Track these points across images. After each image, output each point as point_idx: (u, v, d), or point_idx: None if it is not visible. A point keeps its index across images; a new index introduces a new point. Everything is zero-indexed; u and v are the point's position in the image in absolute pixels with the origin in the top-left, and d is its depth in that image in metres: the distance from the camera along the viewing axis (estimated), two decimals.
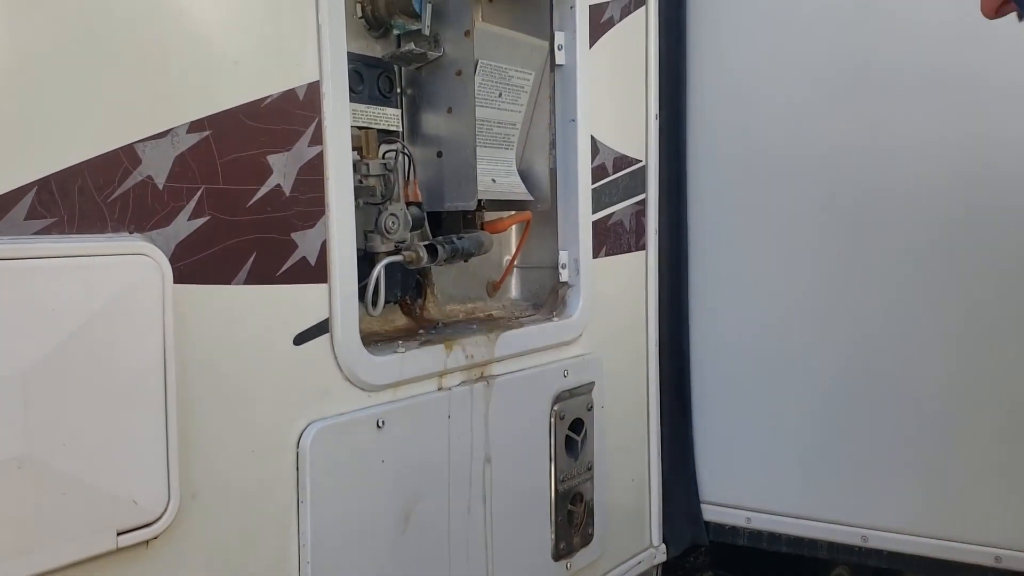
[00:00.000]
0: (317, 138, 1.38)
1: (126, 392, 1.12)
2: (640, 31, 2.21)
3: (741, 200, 2.28)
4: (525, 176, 1.95)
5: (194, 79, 1.23)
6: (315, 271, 1.39)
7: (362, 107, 1.62)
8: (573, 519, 1.96)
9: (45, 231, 1.07)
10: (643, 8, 2.21)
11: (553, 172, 1.99)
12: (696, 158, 2.33)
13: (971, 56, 1.98)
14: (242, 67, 1.29)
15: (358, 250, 1.51)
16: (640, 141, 2.24)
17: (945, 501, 2.07)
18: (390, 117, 1.68)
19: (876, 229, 2.11)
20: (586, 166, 2.02)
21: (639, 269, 2.26)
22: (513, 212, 1.96)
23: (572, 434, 1.95)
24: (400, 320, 1.80)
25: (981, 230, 2.00)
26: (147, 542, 1.16)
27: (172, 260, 1.18)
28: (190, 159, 1.22)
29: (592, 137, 2.03)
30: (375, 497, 1.49)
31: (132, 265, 1.13)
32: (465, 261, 1.81)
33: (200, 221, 1.24)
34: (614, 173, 2.14)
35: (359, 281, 1.50)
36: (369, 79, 1.64)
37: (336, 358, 1.43)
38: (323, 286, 1.41)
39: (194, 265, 1.23)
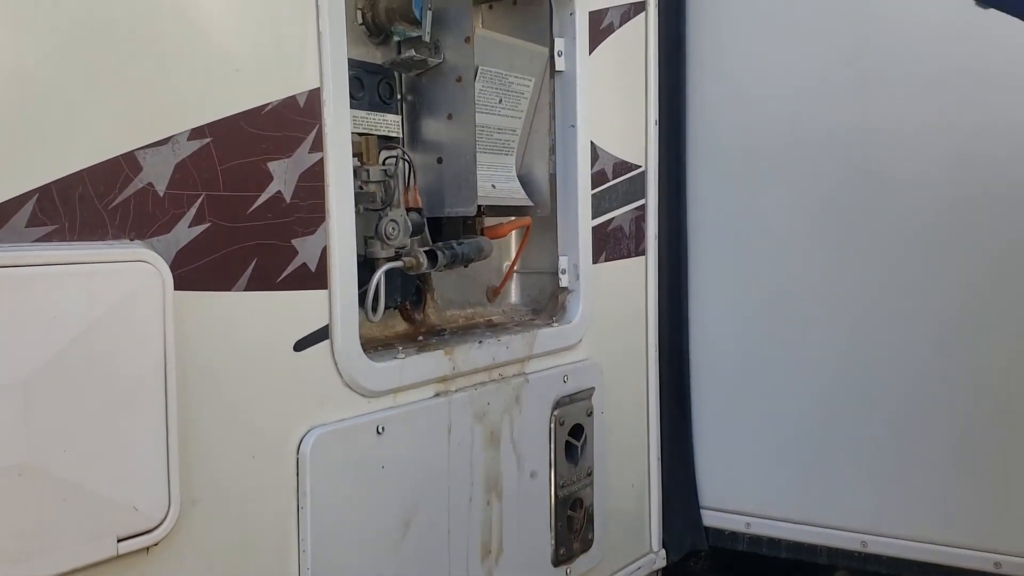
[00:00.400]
0: (318, 145, 1.39)
1: (127, 399, 1.12)
2: (640, 37, 2.21)
3: (740, 205, 2.28)
4: (525, 182, 1.96)
5: (195, 86, 1.23)
6: (315, 277, 1.39)
7: (362, 113, 1.63)
8: (573, 525, 1.95)
9: (46, 238, 1.08)
10: (643, 14, 2.21)
11: (553, 178, 2.00)
12: (695, 163, 2.33)
13: (971, 58, 1.99)
14: (243, 74, 1.29)
15: (358, 256, 1.51)
16: (640, 147, 2.24)
17: (945, 507, 2.07)
18: (390, 123, 1.68)
19: (876, 234, 2.11)
20: (586, 172, 2.02)
21: (639, 274, 2.26)
22: (513, 217, 1.96)
23: (572, 439, 1.95)
24: (400, 326, 1.80)
25: (980, 235, 2.00)
26: (147, 548, 1.16)
27: (173, 267, 1.19)
28: (191, 166, 1.22)
29: (592, 143, 2.04)
30: (375, 503, 1.49)
31: (133, 272, 1.13)
32: (465, 267, 1.82)
33: (201, 228, 1.24)
34: (614, 178, 2.14)
35: (359, 287, 1.50)
36: (369, 85, 1.65)
37: (336, 364, 1.44)
38: (323, 292, 1.41)
39: (195, 272, 1.23)
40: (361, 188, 1.55)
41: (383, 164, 1.61)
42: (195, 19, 1.23)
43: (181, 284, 1.20)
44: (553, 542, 1.90)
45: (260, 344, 1.32)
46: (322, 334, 1.41)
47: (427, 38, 1.64)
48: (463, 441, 1.67)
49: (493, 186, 1.84)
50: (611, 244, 2.14)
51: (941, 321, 2.05)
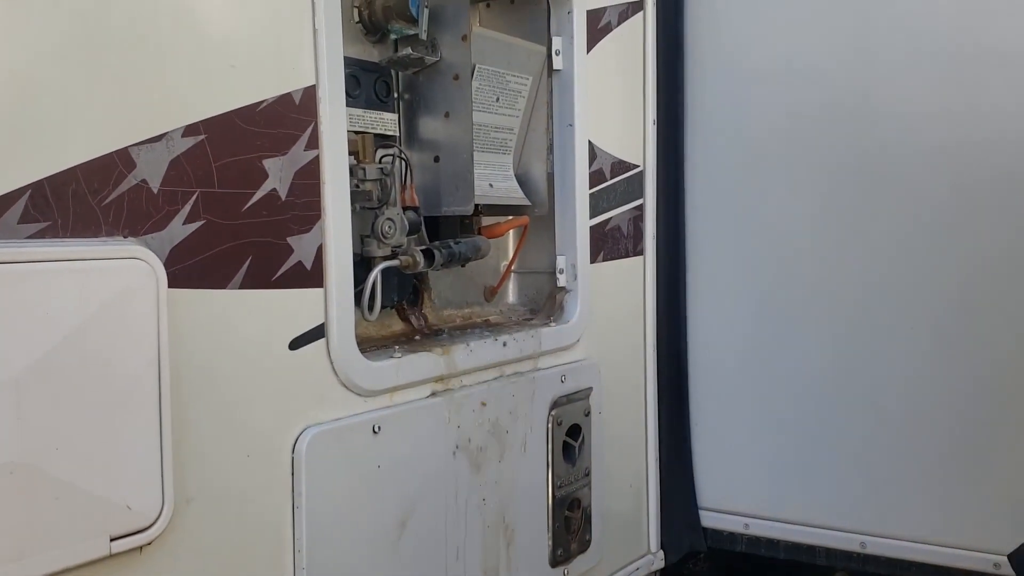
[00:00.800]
0: (313, 142, 1.38)
1: (120, 397, 1.11)
2: (638, 36, 2.21)
3: (739, 205, 2.27)
4: (522, 181, 1.95)
5: (190, 83, 1.23)
6: (311, 276, 1.38)
7: (359, 112, 1.62)
8: (571, 525, 1.95)
9: (39, 235, 1.07)
10: (640, 13, 2.21)
11: (551, 177, 1.99)
12: (694, 163, 2.32)
13: (974, 56, 1.98)
14: (238, 71, 1.28)
15: (354, 255, 1.50)
16: (638, 146, 2.23)
17: (944, 507, 2.06)
18: (387, 122, 1.67)
19: (875, 232, 2.10)
20: (584, 171, 2.01)
21: (637, 274, 2.25)
22: (510, 217, 1.95)
23: (570, 440, 1.94)
24: (397, 325, 1.80)
25: (979, 233, 2.00)
26: (141, 548, 1.15)
27: (167, 264, 1.18)
28: (185, 163, 1.22)
29: (590, 142, 2.03)
30: (371, 503, 1.48)
31: (126, 269, 1.13)
32: (462, 266, 1.81)
33: (195, 225, 1.23)
34: (612, 178, 2.14)
35: (355, 286, 1.49)
36: (366, 84, 1.64)
37: (332, 363, 1.43)
38: (319, 291, 1.40)
39: (189, 269, 1.22)
40: (357, 186, 1.55)
41: (379, 162, 1.60)
42: (190, 15, 1.22)
43: (175, 282, 1.19)
44: (551, 543, 1.90)
45: (255, 343, 1.32)
46: (318, 333, 1.40)
47: (424, 36, 1.63)
48: (460, 441, 1.66)
49: (490, 185, 1.84)
50: (609, 244, 2.14)
51: (940, 320, 2.05)
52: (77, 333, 1.06)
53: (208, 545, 1.26)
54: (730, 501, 2.32)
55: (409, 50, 1.66)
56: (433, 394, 1.63)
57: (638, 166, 2.23)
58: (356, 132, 1.59)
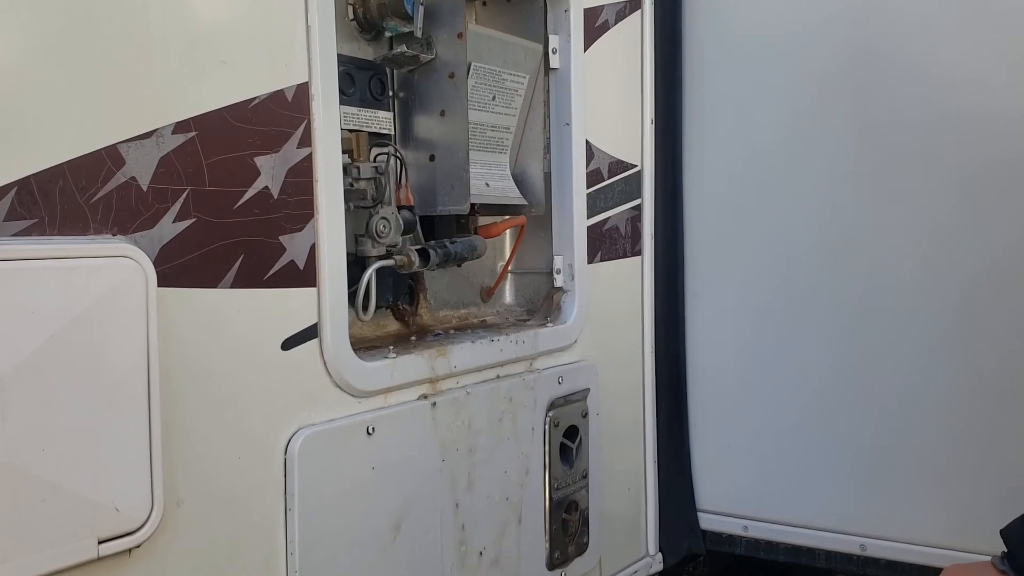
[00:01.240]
0: (306, 140, 1.36)
1: (108, 397, 1.09)
2: (635, 35, 2.19)
3: (738, 206, 2.26)
4: (519, 180, 1.94)
5: (180, 79, 1.21)
6: (304, 275, 1.37)
7: (353, 110, 1.60)
8: (568, 528, 1.93)
9: (25, 232, 1.05)
10: (638, 12, 2.19)
11: (547, 176, 1.98)
12: (692, 163, 2.31)
13: (978, 54, 1.97)
14: (230, 67, 1.27)
15: (349, 254, 1.49)
16: (636, 146, 2.22)
17: (945, 509, 2.05)
18: (382, 120, 1.65)
19: (875, 233, 2.09)
20: (581, 171, 2.00)
21: (635, 275, 2.24)
22: (507, 217, 1.94)
23: (567, 441, 1.92)
24: (392, 326, 1.78)
25: (984, 237, 1.98)
26: (130, 550, 1.14)
27: (156, 263, 1.16)
28: (175, 160, 1.20)
29: (587, 141, 2.02)
30: (365, 505, 1.46)
31: (115, 268, 1.11)
32: (458, 266, 1.80)
33: (186, 223, 1.21)
34: (609, 178, 2.12)
35: (350, 286, 1.48)
36: (360, 82, 1.62)
37: (325, 363, 1.41)
38: (312, 290, 1.38)
39: (179, 268, 1.21)
40: (351, 185, 1.53)
41: (374, 161, 1.58)
42: (180, 9, 1.21)
43: (165, 281, 1.18)
44: (548, 545, 1.88)
45: (247, 342, 1.30)
46: (311, 332, 1.39)
47: (419, 34, 1.61)
48: (455, 443, 1.64)
49: (487, 184, 1.82)
50: (606, 244, 2.12)
51: (941, 321, 2.03)
52: (64, 332, 1.05)
53: (199, 548, 1.24)
54: (729, 503, 2.31)
55: (404, 48, 1.64)
56: (428, 395, 1.61)
57: (636, 166, 2.22)
58: (350, 130, 1.57)
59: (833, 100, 2.12)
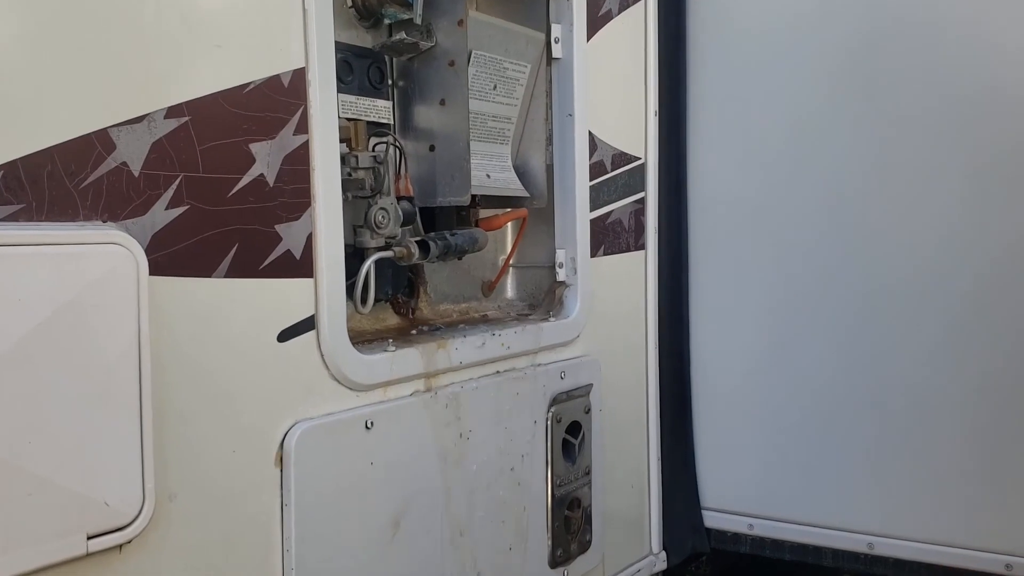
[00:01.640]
0: (303, 127, 1.33)
1: (97, 388, 1.06)
2: (639, 25, 2.16)
3: (743, 199, 2.23)
4: (521, 172, 1.91)
5: (173, 63, 1.18)
6: (300, 265, 1.34)
7: (352, 98, 1.57)
8: (570, 525, 1.90)
9: (12, 218, 1.02)
10: (642, 2, 2.16)
11: (550, 168, 1.95)
12: (697, 156, 2.28)
13: (989, 40, 1.94)
14: (224, 51, 1.24)
15: (347, 245, 1.46)
16: (639, 138, 2.19)
17: (955, 507, 2.02)
18: (381, 109, 1.62)
19: (883, 227, 2.06)
20: (584, 163, 1.97)
21: (638, 269, 2.21)
22: (509, 209, 1.91)
23: (569, 438, 1.89)
24: (392, 319, 1.75)
25: (992, 230, 1.95)
26: (120, 546, 1.11)
27: (148, 251, 1.13)
28: (168, 146, 1.17)
29: (590, 133, 1.98)
30: (363, 501, 1.43)
31: (105, 255, 1.08)
32: (459, 259, 1.77)
33: (178, 211, 1.18)
34: (613, 170, 2.09)
35: (348, 278, 1.45)
36: (359, 70, 1.59)
37: (323, 356, 1.38)
38: (309, 281, 1.35)
39: (172, 256, 1.17)
40: (349, 175, 1.50)
41: (373, 150, 1.55)
42: None
43: (157, 269, 1.15)
44: (550, 543, 1.85)
45: (242, 334, 1.27)
46: (308, 324, 1.35)
47: (419, 20, 1.58)
48: (456, 438, 1.61)
49: (488, 176, 1.79)
50: (610, 238, 2.09)
51: (950, 315, 2.00)
52: (52, 321, 1.02)
53: (192, 544, 1.21)
54: (734, 501, 2.28)
55: (403, 35, 1.61)
56: (428, 389, 1.58)
57: (640, 158, 2.18)
58: (349, 119, 1.54)
59: (841, 90, 2.09)
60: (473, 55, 1.70)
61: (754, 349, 2.23)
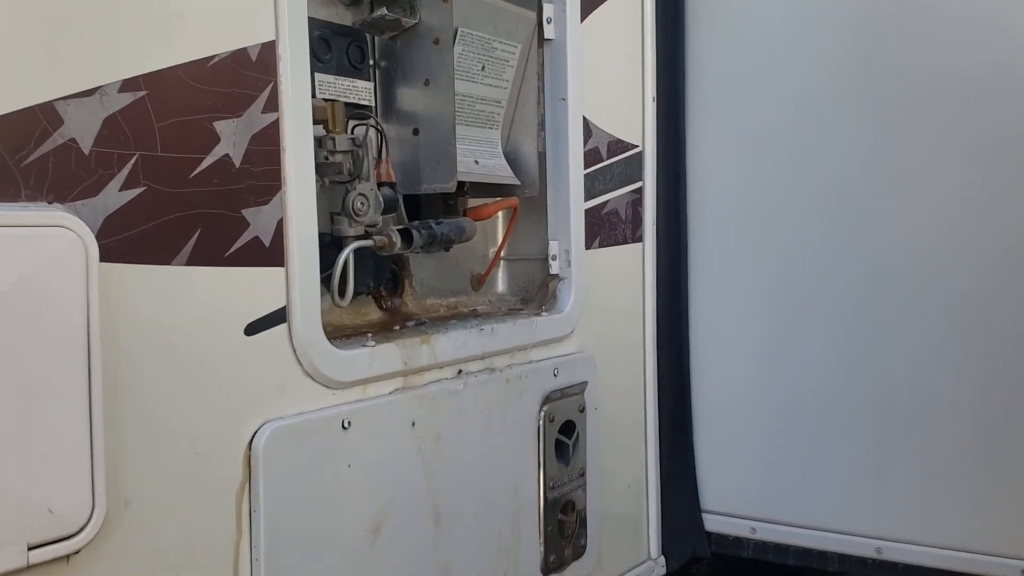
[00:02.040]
0: (272, 104, 1.24)
1: (40, 384, 0.97)
2: (636, 6, 2.08)
3: (743, 190, 2.16)
4: (512, 159, 1.82)
5: (128, 32, 1.09)
6: (270, 253, 1.25)
7: (330, 78, 1.49)
8: (564, 530, 1.82)
9: None
10: None
11: (542, 155, 1.86)
12: (696, 144, 2.21)
13: (997, 29, 1.87)
14: (185, 20, 1.15)
15: (324, 234, 1.38)
16: (636, 125, 2.11)
17: (966, 510, 1.95)
18: (361, 90, 1.54)
19: (888, 220, 1.99)
20: (578, 150, 1.88)
21: (635, 262, 2.12)
22: (499, 198, 1.82)
23: (563, 437, 1.81)
24: (375, 314, 1.66)
25: (999, 226, 1.89)
26: (67, 557, 1.02)
27: (99, 235, 1.04)
28: (122, 122, 1.08)
29: (584, 118, 1.90)
30: (340, 507, 1.34)
31: (49, 239, 0.99)
32: (446, 249, 1.68)
33: (134, 192, 1.09)
34: (608, 158, 2.01)
35: (325, 268, 1.37)
36: (337, 48, 1.50)
37: (295, 351, 1.29)
38: (279, 270, 1.26)
39: (127, 242, 1.08)
40: (326, 158, 1.41)
41: (352, 133, 1.46)
42: None
43: (109, 255, 1.06)
44: (543, 548, 1.76)
45: (205, 326, 1.18)
46: (278, 317, 1.26)
47: None
48: (441, 439, 1.52)
49: (476, 162, 1.70)
50: (605, 229, 2.01)
51: (957, 314, 1.94)
52: None
53: (149, 554, 1.12)
54: (735, 503, 2.22)
55: (384, 11, 1.52)
56: (411, 387, 1.49)
57: (637, 146, 2.10)
58: (326, 100, 1.45)
59: (845, 78, 2.02)
60: (459, 33, 1.61)
61: (756, 345, 2.16)
